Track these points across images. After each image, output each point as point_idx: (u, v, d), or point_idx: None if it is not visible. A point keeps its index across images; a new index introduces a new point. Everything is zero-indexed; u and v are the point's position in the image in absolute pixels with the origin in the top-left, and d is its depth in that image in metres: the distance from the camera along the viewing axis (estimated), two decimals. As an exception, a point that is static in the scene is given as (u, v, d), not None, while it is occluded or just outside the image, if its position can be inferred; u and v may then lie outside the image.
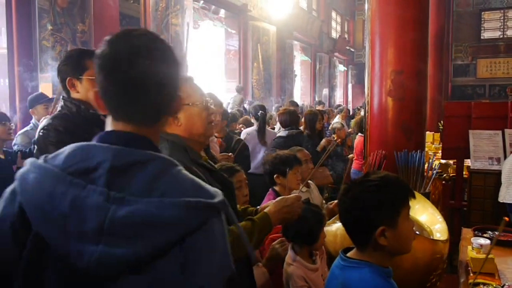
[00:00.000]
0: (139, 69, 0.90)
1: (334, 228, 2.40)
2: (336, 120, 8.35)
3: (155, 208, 0.81)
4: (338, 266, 1.42)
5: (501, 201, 3.86)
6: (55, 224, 0.81)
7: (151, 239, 0.80)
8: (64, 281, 0.83)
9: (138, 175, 0.85)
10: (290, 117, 4.70)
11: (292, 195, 1.72)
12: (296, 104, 8.28)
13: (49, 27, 5.64)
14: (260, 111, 5.01)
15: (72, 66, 2.02)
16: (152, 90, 0.92)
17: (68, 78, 2.02)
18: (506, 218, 1.91)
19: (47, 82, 5.55)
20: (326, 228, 2.40)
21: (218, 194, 0.90)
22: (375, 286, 1.29)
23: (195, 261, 0.83)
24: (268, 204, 1.77)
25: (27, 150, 3.51)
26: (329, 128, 7.51)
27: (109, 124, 0.95)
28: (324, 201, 3.13)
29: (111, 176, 0.84)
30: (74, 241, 0.80)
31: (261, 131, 4.83)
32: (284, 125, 4.72)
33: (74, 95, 2.05)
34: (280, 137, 4.64)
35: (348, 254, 1.42)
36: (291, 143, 4.29)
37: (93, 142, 0.90)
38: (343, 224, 1.44)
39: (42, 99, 4.16)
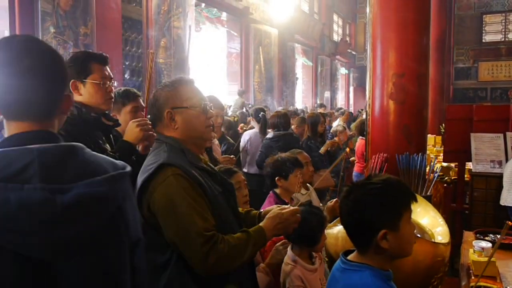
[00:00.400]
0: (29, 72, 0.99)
1: (336, 230, 2.40)
2: (338, 123, 8.35)
3: (92, 187, 0.94)
4: (339, 269, 1.42)
5: (502, 204, 3.86)
6: (5, 228, 0.86)
7: (96, 214, 0.95)
8: (19, 273, 0.89)
9: (68, 164, 0.97)
10: (281, 119, 4.85)
11: (288, 209, 1.69)
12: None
13: (52, 30, 5.66)
14: (261, 113, 5.08)
15: (77, 68, 2.03)
16: (42, 90, 1.01)
17: (72, 81, 2.02)
18: (510, 222, 1.91)
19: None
20: (327, 231, 2.40)
21: (126, 165, 1.07)
22: None
23: (129, 220, 1.05)
24: (270, 209, 1.76)
25: None
26: (331, 131, 7.51)
27: (12, 127, 0.99)
28: (321, 204, 3.13)
29: (43, 172, 0.91)
30: (27, 235, 0.87)
31: (262, 133, 4.91)
32: (273, 126, 4.87)
33: (76, 98, 2.04)
34: (267, 138, 4.77)
35: (349, 257, 1.41)
36: (280, 144, 4.46)
37: (6, 148, 0.94)
38: (345, 227, 1.44)
39: None
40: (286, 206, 1.76)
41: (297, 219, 1.69)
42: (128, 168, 1.06)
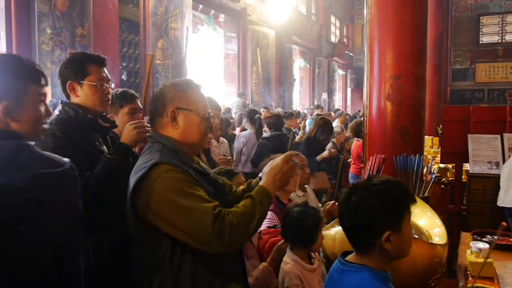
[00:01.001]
0: None
1: (333, 232, 2.39)
2: (335, 124, 8.37)
3: (13, 180, 1.16)
4: (337, 270, 1.41)
5: (499, 205, 3.86)
6: None
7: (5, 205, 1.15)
8: None
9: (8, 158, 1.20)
10: (275, 120, 5.11)
11: (279, 158, 1.65)
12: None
13: (49, 31, 5.65)
14: (257, 115, 5.15)
15: (74, 69, 2.02)
16: None
17: (69, 82, 2.02)
18: (504, 223, 1.91)
19: (46, 86, 5.54)
20: (324, 232, 2.40)
21: (66, 162, 1.29)
22: None
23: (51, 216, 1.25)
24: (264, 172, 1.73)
25: None
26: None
27: None
28: (320, 205, 3.13)
29: None
30: None
31: (258, 134, 4.99)
32: (269, 127, 5.08)
33: (73, 99, 2.04)
34: (264, 138, 4.96)
35: (347, 258, 1.41)
36: (275, 143, 4.66)
37: None
38: (345, 229, 1.42)
39: None
40: (277, 155, 1.73)
41: (292, 166, 1.65)
42: (66, 165, 1.30)
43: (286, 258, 2.05)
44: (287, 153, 1.70)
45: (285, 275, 2.00)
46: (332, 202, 2.62)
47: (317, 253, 2.18)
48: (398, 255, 1.37)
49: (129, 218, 1.61)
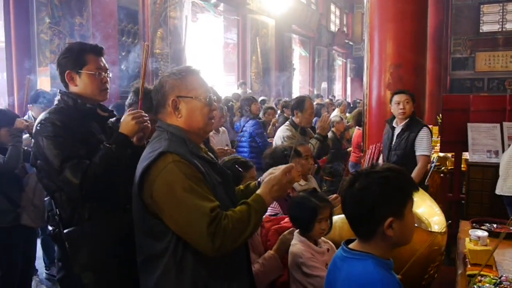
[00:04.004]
0: None
1: (333, 221, 2.41)
2: (335, 114, 8.37)
3: None
4: (340, 257, 1.42)
5: (498, 194, 3.88)
6: None
7: None
8: None
9: None
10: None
11: (280, 169, 1.66)
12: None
13: (47, 20, 5.62)
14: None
15: (72, 59, 2.02)
16: None
17: (67, 71, 2.02)
18: None
19: (46, 76, 5.53)
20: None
21: None
22: (379, 278, 1.29)
23: None
24: (267, 173, 1.74)
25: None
26: (328, 121, 7.52)
27: None
28: None
29: None
30: None
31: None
32: None
33: (72, 88, 2.05)
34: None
35: (350, 246, 1.42)
36: None
37: None
38: (348, 216, 1.42)
39: (41, 98, 4.14)
40: (278, 167, 1.72)
41: (290, 178, 1.66)
42: None
43: (294, 240, 2.10)
44: (288, 165, 1.69)
45: (295, 255, 2.04)
46: (335, 195, 2.64)
47: (327, 240, 2.20)
48: (400, 242, 1.38)
49: (134, 206, 1.61)
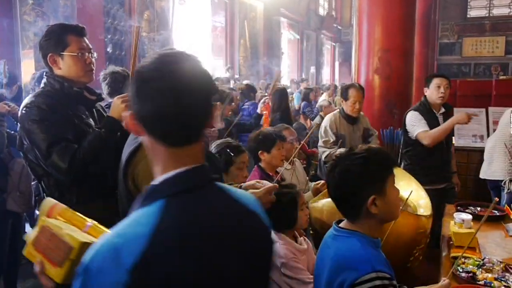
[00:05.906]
0: None
1: (320, 204, 2.43)
2: (323, 98, 8.37)
3: None
4: (331, 236, 1.47)
5: (482, 178, 3.94)
6: None
7: None
8: None
9: None
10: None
11: (262, 189, 1.66)
12: None
13: (30, 1, 5.49)
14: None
15: (54, 41, 1.96)
16: None
17: (49, 54, 1.97)
18: (497, 199, 2.01)
19: (29, 59, 5.42)
20: (312, 205, 2.43)
21: None
22: (364, 254, 1.34)
23: None
24: (251, 183, 1.75)
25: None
26: (316, 106, 7.53)
27: None
28: (307, 178, 3.16)
29: None
30: None
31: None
32: None
33: (56, 71, 2.00)
34: None
35: (341, 225, 1.47)
36: None
37: None
38: (333, 199, 1.48)
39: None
40: (261, 185, 1.72)
41: (270, 199, 1.67)
42: None
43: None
44: (271, 185, 1.72)
45: (277, 255, 1.93)
46: (322, 182, 2.66)
47: (304, 237, 2.14)
48: (385, 218, 1.45)
49: (120, 190, 1.61)
